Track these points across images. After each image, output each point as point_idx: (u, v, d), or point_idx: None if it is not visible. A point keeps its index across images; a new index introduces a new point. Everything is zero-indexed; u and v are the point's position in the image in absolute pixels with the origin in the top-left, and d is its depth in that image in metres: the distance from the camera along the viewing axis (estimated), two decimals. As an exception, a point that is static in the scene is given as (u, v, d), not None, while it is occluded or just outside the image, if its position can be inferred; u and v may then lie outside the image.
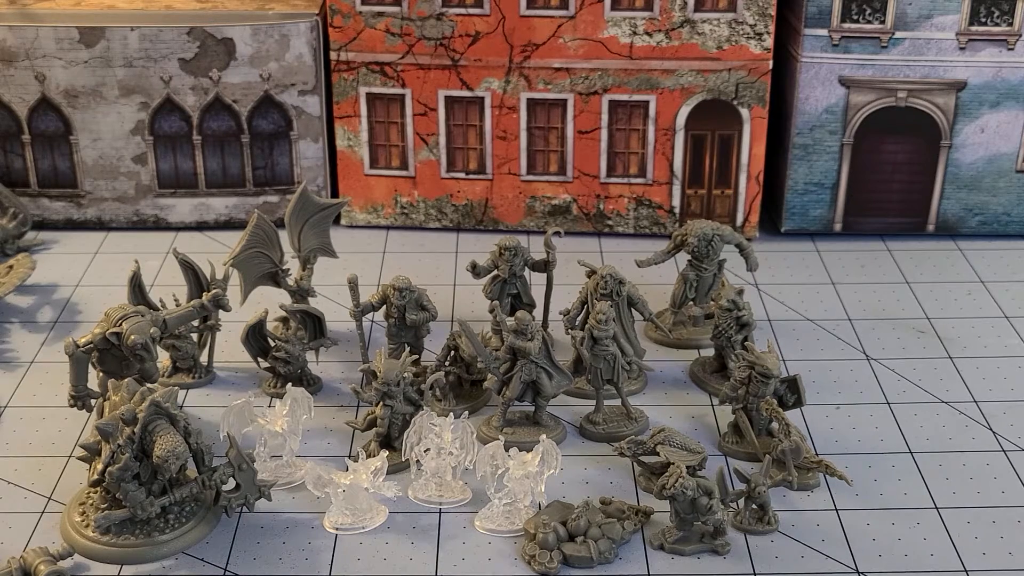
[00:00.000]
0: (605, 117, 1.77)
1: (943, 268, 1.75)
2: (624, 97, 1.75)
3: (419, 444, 1.29)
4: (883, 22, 1.70)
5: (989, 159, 1.77)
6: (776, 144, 1.82)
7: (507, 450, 1.26)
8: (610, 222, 1.83)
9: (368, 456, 1.30)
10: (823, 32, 1.71)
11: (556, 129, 1.78)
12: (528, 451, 1.26)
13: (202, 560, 1.22)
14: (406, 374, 1.34)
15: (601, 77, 1.74)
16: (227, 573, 1.21)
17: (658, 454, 1.29)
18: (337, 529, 1.26)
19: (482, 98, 1.77)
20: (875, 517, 1.27)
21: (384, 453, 1.29)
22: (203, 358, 1.51)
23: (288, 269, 1.54)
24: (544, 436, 1.28)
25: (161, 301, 1.50)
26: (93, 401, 1.34)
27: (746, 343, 1.42)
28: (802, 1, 1.69)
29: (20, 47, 1.75)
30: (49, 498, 1.30)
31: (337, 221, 1.82)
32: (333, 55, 1.76)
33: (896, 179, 1.79)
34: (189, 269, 1.49)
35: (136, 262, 1.49)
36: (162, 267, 1.75)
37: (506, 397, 1.38)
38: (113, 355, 1.33)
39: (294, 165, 1.83)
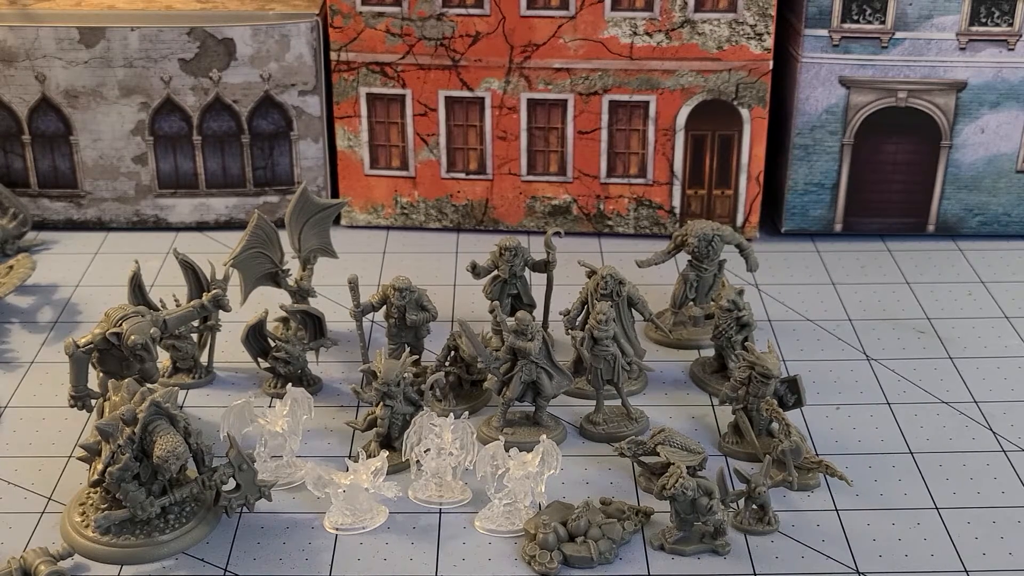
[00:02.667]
0: (605, 117, 1.77)
1: (943, 268, 1.75)
2: (624, 97, 1.76)
3: (419, 444, 1.29)
4: (883, 22, 1.70)
5: (989, 159, 1.77)
6: (776, 144, 1.82)
7: (507, 450, 1.26)
8: (610, 222, 1.83)
9: (368, 456, 1.30)
10: (823, 32, 1.71)
11: (556, 129, 1.78)
12: (528, 451, 1.26)
13: (202, 560, 1.22)
14: (406, 374, 1.34)
15: (601, 77, 1.74)
16: (227, 573, 1.21)
17: (658, 454, 1.29)
18: (337, 529, 1.26)
19: (482, 98, 1.77)
20: (875, 517, 1.27)
21: (384, 453, 1.29)
22: (203, 358, 1.51)
23: (288, 269, 1.54)
24: (544, 436, 1.28)
25: (161, 301, 1.50)
26: (93, 401, 1.34)
27: (746, 343, 1.42)
28: (802, 1, 1.69)
29: (20, 47, 1.75)
30: (49, 498, 1.30)
31: (337, 221, 1.82)
32: (333, 55, 1.76)
33: (896, 179, 1.79)
34: (189, 269, 1.49)
35: (136, 262, 1.49)
36: (162, 267, 1.75)
37: (506, 397, 1.38)
38: (113, 355, 1.33)
39: (294, 165, 1.83)
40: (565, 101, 1.77)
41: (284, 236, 1.55)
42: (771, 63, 1.72)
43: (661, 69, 1.74)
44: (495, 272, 1.53)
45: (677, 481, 1.21)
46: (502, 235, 1.61)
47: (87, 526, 1.23)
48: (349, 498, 1.26)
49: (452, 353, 1.45)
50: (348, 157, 1.83)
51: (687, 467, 1.25)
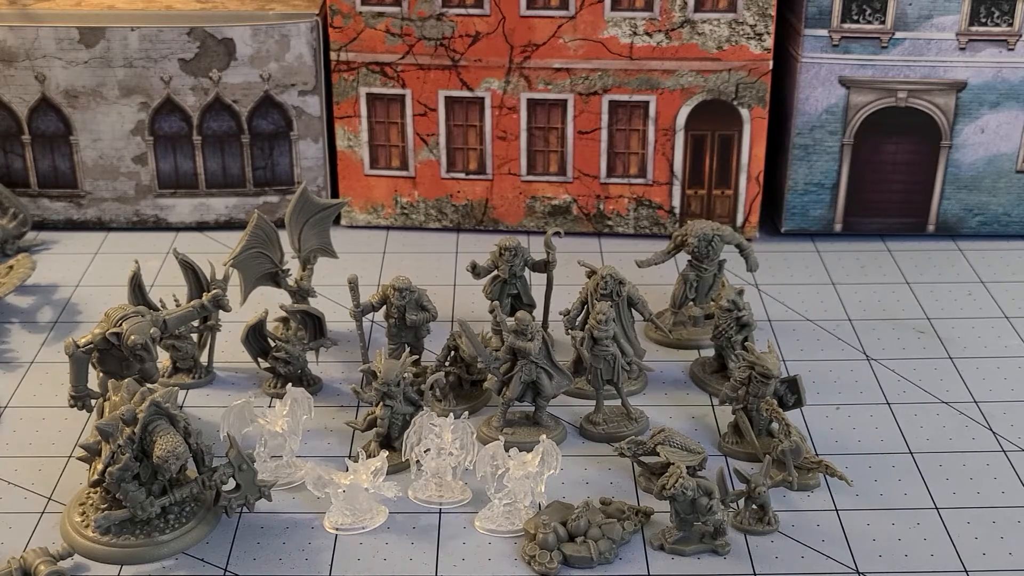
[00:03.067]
0: (605, 117, 1.77)
1: (943, 268, 1.75)
2: (624, 97, 1.75)
3: (419, 444, 1.29)
4: (883, 22, 1.70)
5: (989, 159, 1.77)
6: (776, 144, 1.82)
7: (507, 450, 1.26)
8: (610, 222, 1.83)
9: (368, 456, 1.30)
10: (823, 32, 1.71)
11: (556, 129, 1.78)
12: (528, 451, 1.26)
13: (202, 560, 1.22)
14: (406, 374, 1.34)
15: (601, 77, 1.74)
16: (227, 573, 1.21)
17: (658, 454, 1.29)
18: (337, 529, 1.26)
19: (482, 98, 1.77)
20: (875, 517, 1.27)
21: (384, 453, 1.29)
22: (203, 358, 1.51)
23: (288, 269, 1.54)
24: (544, 436, 1.28)
25: (161, 301, 1.50)
26: (93, 401, 1.34)
27: (746, 343, 1.42)
28: (802, 1, 1.69)
29: (20, 47, 1.75)
30: (49, 498, 1.30)
31: (337, 221, 1.82)
32: (333, 55, 1.76)
33: (896, 179, 1.79)
34: (189, 269, 1.49)
35: (136, 262, 1.49)
36: (162, 267, 1.75)
37: (506, 397, 1.38)
38: (113, 355, 1.33)
39: (294, 165, 1.83)
40: (565, 101, 1.77)
41: (284, 236, 1.55)
42: (771, 63, 1.72)
43: (661, 69, 1.74)
44: (495, 272, 1.53)
45: (677, 481, 1.21)
46: (502, 235, 1.61)
47: (87, 526, 1.23)
48: (349, 498, 1.26)
49: (452, 353, 1.45)
50: (348, 157, 1.83)
51: (687, 467, 1.25)
